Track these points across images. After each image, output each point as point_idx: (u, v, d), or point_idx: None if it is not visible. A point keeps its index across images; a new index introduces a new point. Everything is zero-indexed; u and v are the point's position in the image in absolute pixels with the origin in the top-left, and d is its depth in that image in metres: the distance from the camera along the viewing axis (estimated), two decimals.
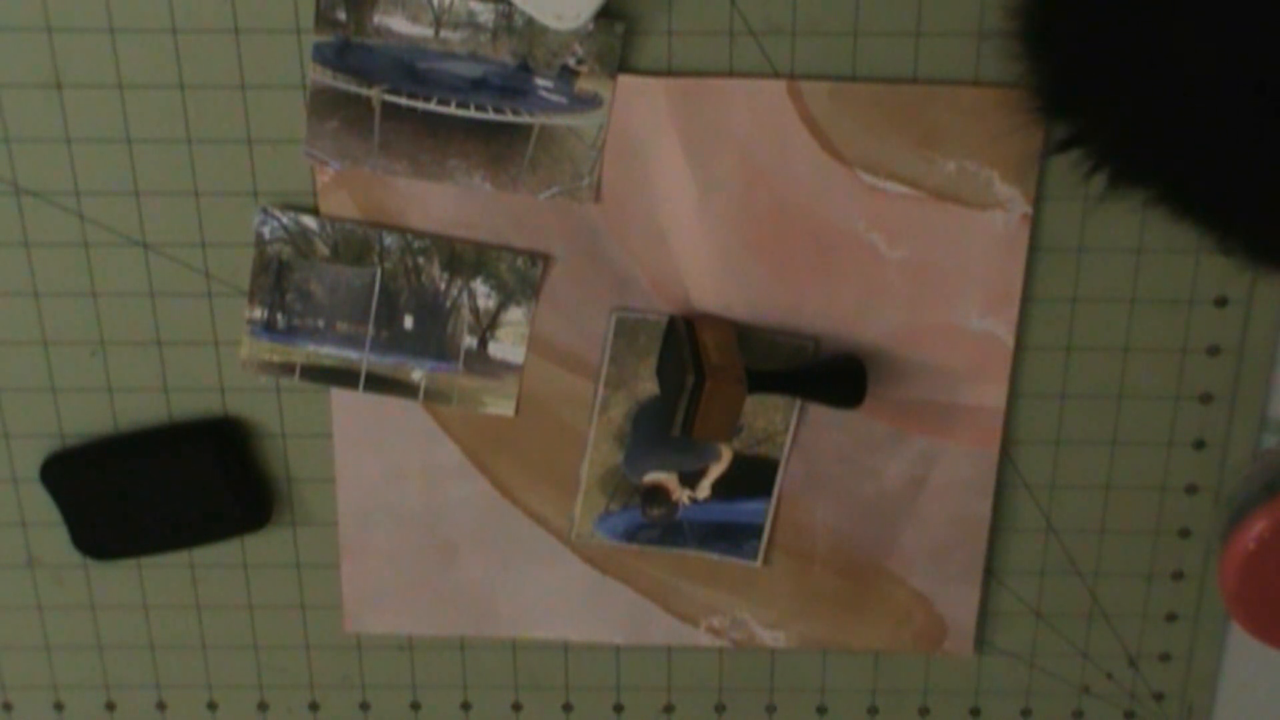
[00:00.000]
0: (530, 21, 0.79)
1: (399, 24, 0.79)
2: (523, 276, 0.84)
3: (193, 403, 0.88)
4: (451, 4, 0.79)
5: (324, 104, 0.81)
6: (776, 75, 0.81)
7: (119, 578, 0.93)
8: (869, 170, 0.82)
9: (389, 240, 0.84)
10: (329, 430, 0.89)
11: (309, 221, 0.84)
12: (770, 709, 0.96)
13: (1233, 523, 0.89)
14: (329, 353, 0.86)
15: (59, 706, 0.97)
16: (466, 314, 0.85)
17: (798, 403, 0.87)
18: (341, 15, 0.79)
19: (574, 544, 0.91)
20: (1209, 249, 0.84)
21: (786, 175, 0.82)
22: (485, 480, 0.89)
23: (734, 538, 0.90)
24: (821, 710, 0.96)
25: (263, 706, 0.97)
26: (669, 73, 0.81)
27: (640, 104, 0.81)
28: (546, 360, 0.86)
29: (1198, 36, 0.69)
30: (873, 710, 0.96)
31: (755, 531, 0.90)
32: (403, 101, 0.81)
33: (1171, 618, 0.93)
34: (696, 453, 0.88)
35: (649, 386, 0.87)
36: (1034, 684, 0.95)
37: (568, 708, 0.96)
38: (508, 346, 0.86)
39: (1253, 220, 0.75)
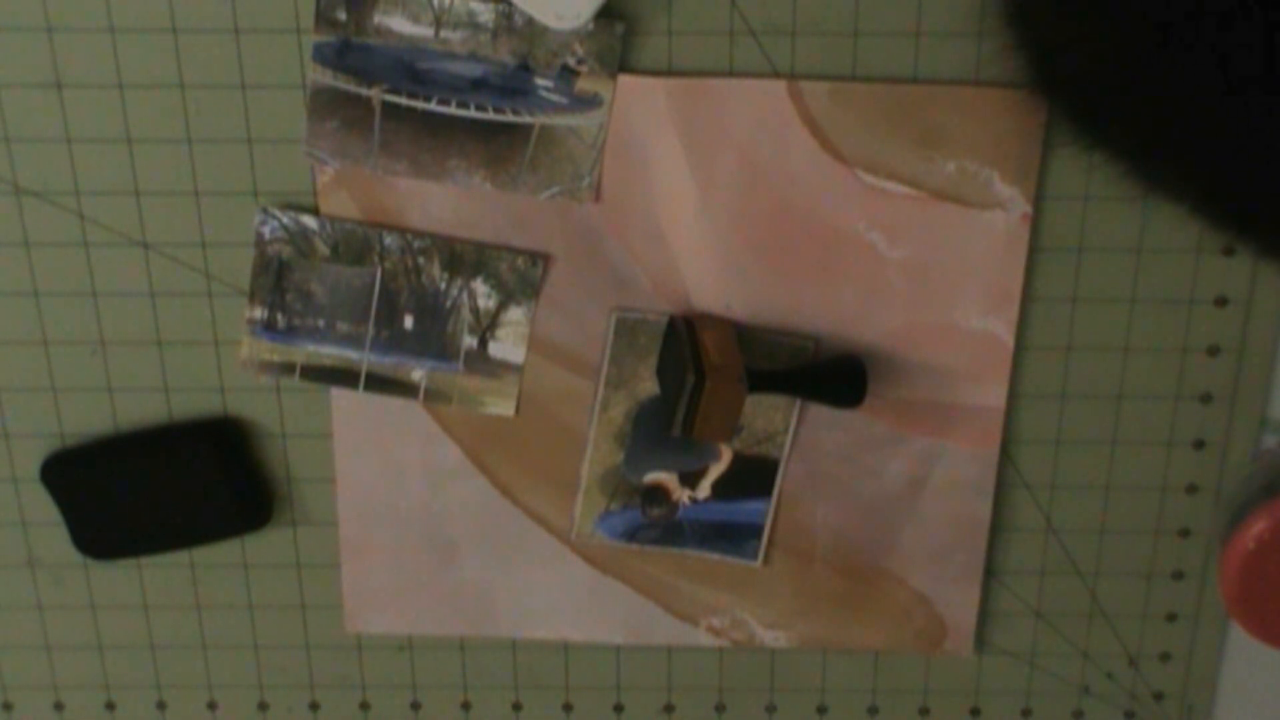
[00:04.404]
0: (530, 21, 0.79)
1: (399, 24, 0.79)
2: (523, 276, 0.84)
3: (193, 403, 0.88)
4: (451, 4, 0.79)
5: (324, 104, 0.81)
6: (776, 75, 0.81)
7: (119, 578, 0.93)
8: (869, 170, 0.82)
9: (389, 240, 0.84)
10: (329, 430, 0.89)
11: (309, 221, 0.84)
12: (770, 709, 0.96)
13: (1233, 523, 0.89)
14: (329, 353, 0.86)
15: (59, 706, 0.97)
16: (466, 314, 0.85)
17: (798, 403, 0.87)
18: (341, 15, 0.79)
19: (574, 544, 0.91)
20: (1211, 248, 0.84)
21: (786, 175, 0.82)
22: (485, 480, 0.89)
23: (734, 538, 0.90)
24: (821, 710, 0.96)
25: (263, 706, 0.97)
26: (669, 73, 0.81)
27: (640, 104, 0.81)
28: (546, 360, 0.86)
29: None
30: (873, 710, 0.96)
31: (755, 531, 0.90)
32: (403, 101, 0.81)
33: (1171, 618, 0.93)
34: (696, 453, 0.88)
35: (649, 386, 0.87)
36: (1034, 684, 0.95)
37: (568, 708, 0.96)
38: (508, 346, 0.86)
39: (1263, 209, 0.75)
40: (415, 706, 0.97)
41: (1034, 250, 0.84)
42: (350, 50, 0.80)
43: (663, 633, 0.93)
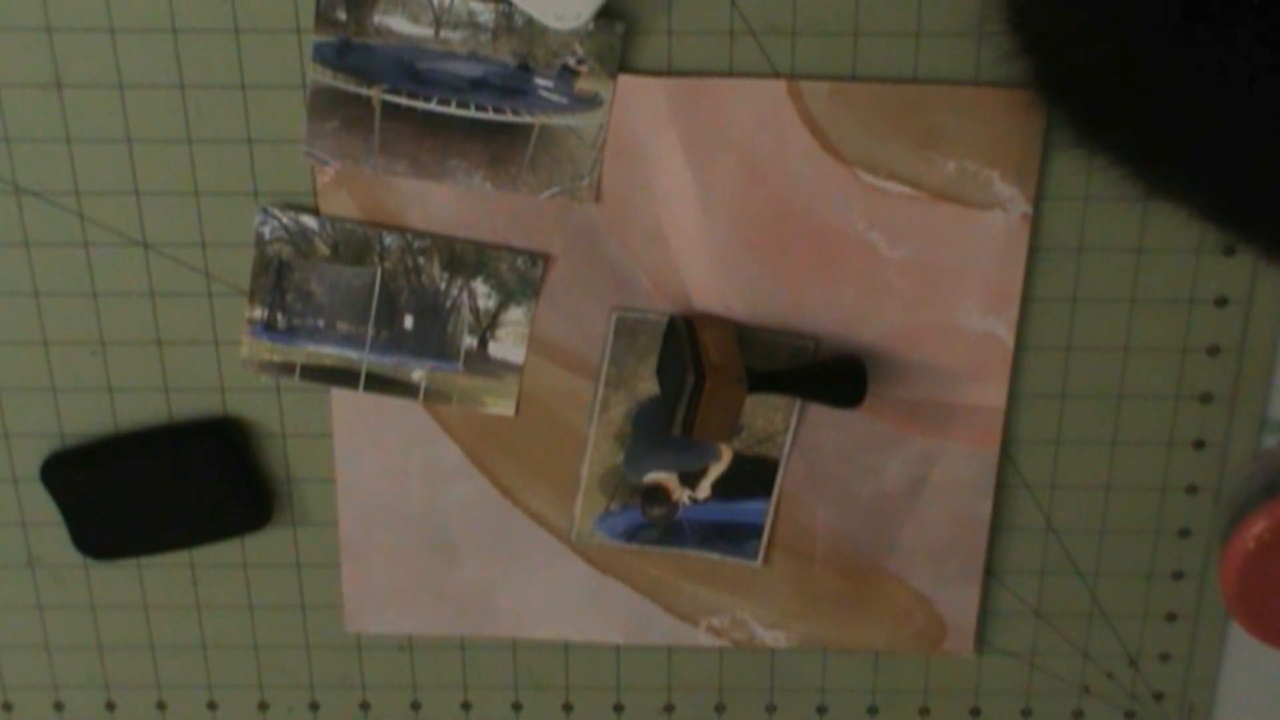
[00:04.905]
0: (530, 21, 0.79)
1: (399, 24, 0.79)
2: (523, 276, 0.84)
3: (193, 403, 0.88)
4: (451, 4, 0.79)
5: (324, 104, 0.81)
6: (776, 75, 0.81)
7: (119, 578, 0.93)
8: (869, 170, 0.82)
9: (389, 240, 0.84)
10: (329, 430, 0.89)
11: (309, 221, 0.84)
12: (770, 709, 0.96)
13: (1233, 523, 0.89)
14: (329, 353, 0.86)
15: (59, 706, 0.97)
16: (466, 314, 0.85)
17: (798, 403, 0.87)
18: (341, 15, 0.79)
19: (574, 544, 0.91)
20: (1211, 248, 0.84)
21: (786, 175, 0.82)
22: (485, 480, 0.89)
23: (734, 538, 0.90)
24: (821, 710, 0.96)
25: (263, 706, 0.97)
26: (669, 73, 0.81)
27: (640, 104, 0.81)
28: (546, 360, 0.86)
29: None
30: (873, 710, 0.96)
31: (755, 531, 0.90)
32: (403, 101, 0.81)
33: (1171, 618, 0.93)
34: (696, 453, 0.88)
35: (649, 386, 0.87)
36: (1034, 684, 0.95)
37: (568, 708, 0.96)
38: (508, 346, 0.86)
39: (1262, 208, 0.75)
40: (415, 706, 0.97)
41: (1034, 250, 0.84)
42: (350, 50, 0.80)
43: (663, 633, 0.93)
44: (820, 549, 0.91)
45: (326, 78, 0.80)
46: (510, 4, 0.78)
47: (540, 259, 0.84)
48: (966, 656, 0.94)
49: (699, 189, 0.82)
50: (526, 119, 0.81)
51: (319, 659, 0.95)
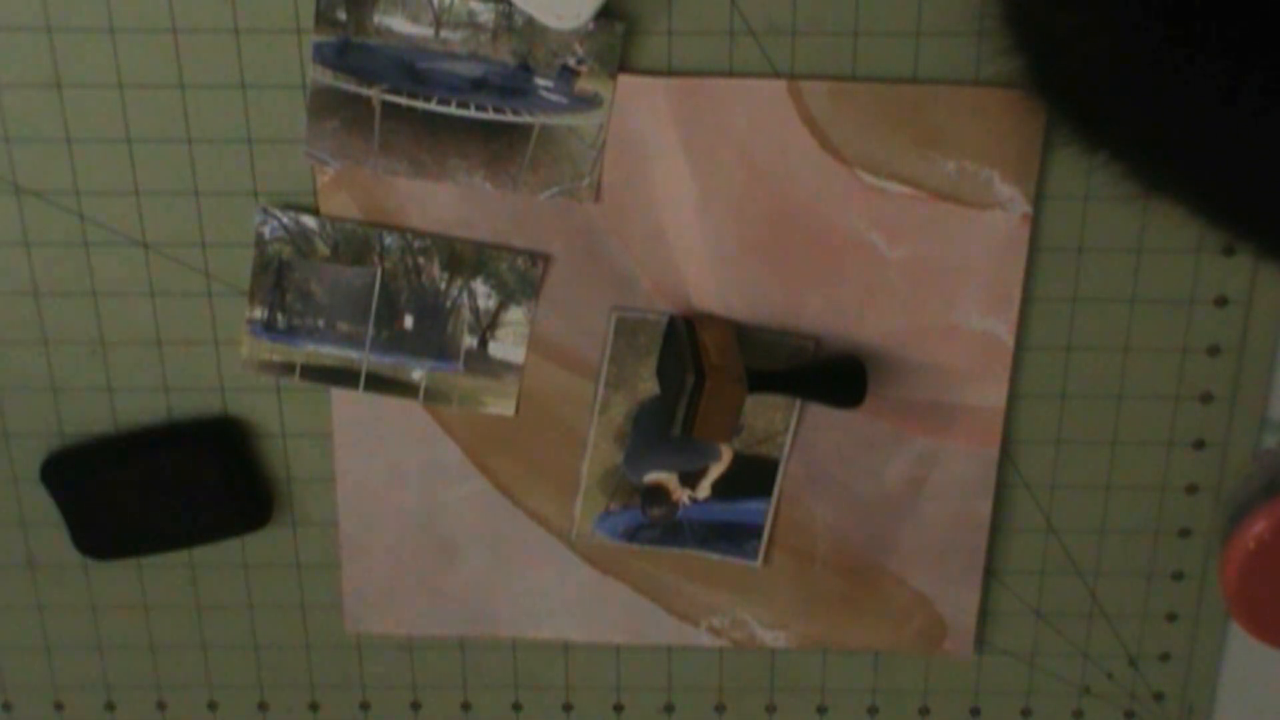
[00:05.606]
0: (530, 21, 0.79)
1: (399, 24, 0.79)
2: (523, 276, 0.84)
3: (193, 403, 0.88)
4: (451, 4, 0.79)
5: (324, 104, 0.81)
6: (776, 75, 0.81)
7: (119, 578, 0.93)
8: (869, 170, 0.82)
9: (389, 240, 0.84)
10: (329, 430, 0.89)
11: (309, 221, 0.84)
12: (770, 709, 0.96)
13: (1233, 523, 0.89)
14: (329, 353, 0.86)
15: (59, 706, 0.97)
16: (466, 314, 0.85)
17: (798, 403, 0.87)
18: (341, 15, 0.79)
19: (574, 544, 0.91)
20: (1211, 248, 0.84)
21: (786, 175, 0.82)
22: (485, 480, 0.89)
23: (734, 538, 0.90)
24: (821, 710, 0.96)
25: (263, 706, 0.97)
26: (669, 73, 0.81)
27: (640, 104, 0.81)
28: (546, 360, 0.86)
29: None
30: (873, 710, 0.96)
31: (755, 531, 0.90)
32: (403, 101, 0.81)
33: (1171, 618, 0.93)
34: (696, 453, 0.88)
35: (649, 386, 0.87)
36: (1034, 684, 0.95)
37: (568, 708, 0.96)
38: (508, 346, 0.86)
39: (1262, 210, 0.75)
40: (415, 706, 0.97)
41: (1034, 250, 0.84)
42: (350, 50, 0.80)
43: (663, 633, 0.93)
44: (820, 549, 0.91)
45: (326, 78, 0.80)
46: (510, 4, 0.78)
47: (540, 259, 0.84)
48: (966, 656, 0.94)
49: (699, 189, 0.82)
50: (526, 119, 0.81)
51: (319, 659, 0.95)
